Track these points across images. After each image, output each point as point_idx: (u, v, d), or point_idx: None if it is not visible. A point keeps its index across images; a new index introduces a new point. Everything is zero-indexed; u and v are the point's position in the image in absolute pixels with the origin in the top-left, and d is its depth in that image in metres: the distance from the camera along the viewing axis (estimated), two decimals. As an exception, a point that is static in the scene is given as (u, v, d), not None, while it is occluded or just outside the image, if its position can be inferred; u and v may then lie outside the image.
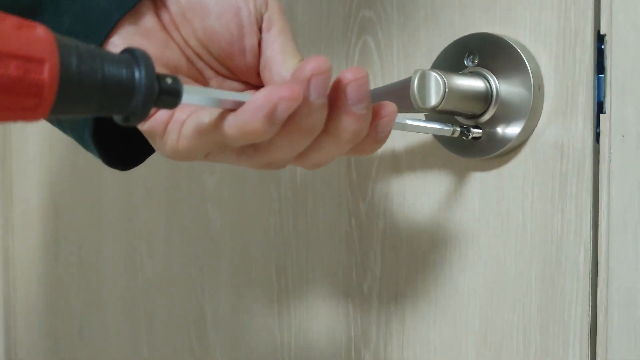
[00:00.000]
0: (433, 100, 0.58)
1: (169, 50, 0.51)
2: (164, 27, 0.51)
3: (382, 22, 0.70)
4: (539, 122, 0.61)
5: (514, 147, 0.62)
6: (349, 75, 0.45)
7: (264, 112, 0.41)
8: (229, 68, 0.53)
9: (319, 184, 0.76)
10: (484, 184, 0.64)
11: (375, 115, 0.48)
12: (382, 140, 0.49)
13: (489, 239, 0.64)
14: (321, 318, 0.75)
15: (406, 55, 0.68)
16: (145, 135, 0.49)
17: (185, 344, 0.88)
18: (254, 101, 0.42)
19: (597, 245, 0.58)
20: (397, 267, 0.70)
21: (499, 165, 0.63)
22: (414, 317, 0.69)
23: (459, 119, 0.64)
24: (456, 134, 0.61)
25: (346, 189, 0.74)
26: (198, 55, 0.52)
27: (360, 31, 0.72)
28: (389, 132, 0.49)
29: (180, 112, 0.47)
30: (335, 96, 0.45)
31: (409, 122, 0.56)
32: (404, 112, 0.60)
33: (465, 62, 0.63)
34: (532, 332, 0.61)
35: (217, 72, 0.53)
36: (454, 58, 0.64)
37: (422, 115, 0.65)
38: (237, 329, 0.83)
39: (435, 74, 0.58)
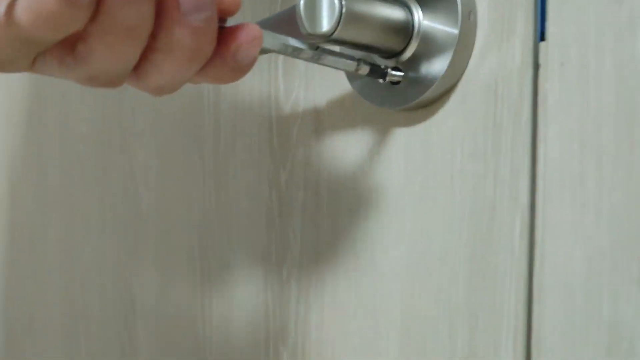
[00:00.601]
0: (325, 24, 0.43)
1: None
2: None
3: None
4: (471, 59, 0.46)
5: (442, 93, 0.47)
6: None
7: None
8: None
9: (240, 150, 0.61)
10: (409, 142, 0.49)
11: (232, 38, 0.37)
12: (242, 69, 0.38)
13: (414, 209, 0.48)
14: (241, 310, 0.61)
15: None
16: None
17: (116, 336, 0.75)
18: None
19: (535, 213, 0.42)
20: (317, 246, 0.55)
21: (426, 117, 0.48)
22: (334, 308, 0.54)
23: (377, 58, 0.48)
24: (363, 71, 0.45)
25: (266, 156, 0.59)
26: None
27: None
28: (251, 60, 0.38)
29: None
30: None
31: (292, 44, 0.41)
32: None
33: (387, -11, 0.48)
34: (459, 326, 0.45)
35: None
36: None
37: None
38: (163, 321, 0.69)
39: (329, -8, 0.43)
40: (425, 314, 0.48)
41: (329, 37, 0.44)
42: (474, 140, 0.46)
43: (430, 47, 0.46)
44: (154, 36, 0.35)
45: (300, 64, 0.57)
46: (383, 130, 0.51)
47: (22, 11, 0.32)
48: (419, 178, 0.49)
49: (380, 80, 0.48)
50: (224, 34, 0.37)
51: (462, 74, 0.47)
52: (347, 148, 0.54)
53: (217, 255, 0.65)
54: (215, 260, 0.65)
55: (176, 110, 0.68)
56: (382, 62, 0.49)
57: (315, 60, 0.44)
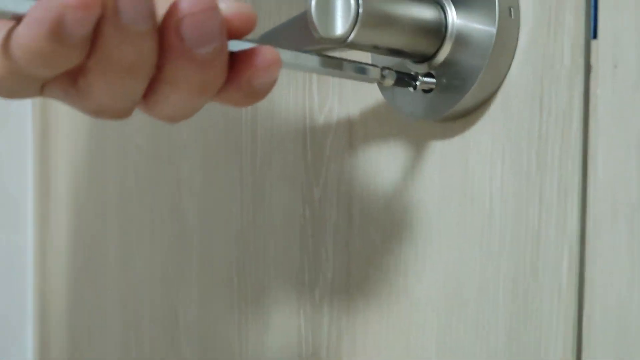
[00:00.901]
0: (339, 26, 0.34)
1: None
2: None
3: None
4: (513, 62, 0.36)
5: (481, 101, 0.37)
6: (184, 5, 0.28)
7: (46, 24, 0.26)
8: None
9: (276, 164, 0.53)
10: (445, 156, 0.39)
11: (247, 64, 0.30)
12: (259, 95, 0.31)
13: (451, 234, 0.39)
14: (275, 332, 0.53)
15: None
16: None
17: (163, 350, 0.68)
18: (36, 9, 0.26)
19: (585, 245, 0.32)
20: (349, 270, 0.46)
21: (463, 128, 0.38)
22: (366, 336, 0.45)
23: (408, 64, 0.39)
24: (388, 81, 0.36)
25: (301, 171, 0.51)
26: None
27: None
28: (269, 86, 0.31)
29: None
30: (168, 30, 0.28)
31: (302, 58, 0.32)
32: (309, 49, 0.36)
33: (418, -14, 0.39)
34: (498, 370, 0.36)
35: None
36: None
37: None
38: (204, 338, 0.62)
39: (344, -11, 0.34)
40: (463, 351, 0.38)
41: (344, 42, 0.35)
42: (516, 155, 0.36)
43: (465, 49, 0.37)
44: (159, 68, 0.29)
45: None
46: (418, 143, 0.42)
47: (16, 48, 0.28)
48: (456, 197, 0.40)
49: (411, 89, 0.39)
50: (238, 59, 0.30)
51: (502, 79, 0.37)
52: (380, 163, 0.45)
53: (253, 272, 0.57)
54: (252, 278, 0.57)
55: (218, 122, 0.61)
56: (413, 67, 0.40)
57: (333, 72, 0.35)
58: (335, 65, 0.35)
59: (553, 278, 0.34)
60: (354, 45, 0.36)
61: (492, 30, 0.36)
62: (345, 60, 0.36)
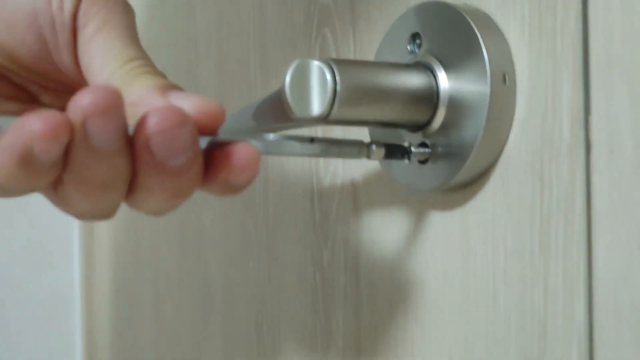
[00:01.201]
0: (316, 106, 0.30)
1: None
2: None
3: (338, 8, 0.43)
4: (511, 133, 0.32)
5: (479, 173, 0.33)
6: (152, 122, 0.26)
7: (15, 152, 0.26)
8: (56, 81, 0.33)
9: (287, 223, 0.50)
10: (446, 229, 0.36)
11: (223, 163, 0.28)
12: (238, 189, 0.29)
13: (455, 314, 0.35)
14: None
15: (363, 44, 0.41)
16: None
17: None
18: (5, 136, 0.26)
19: (593, 339, 0.28)
20: (359, 341, 0.43)
21: (464, 201, 0.35)
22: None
23: (404, 133, 0.36)
24: (377, 155, 0.33)
25: (310, 231, 0.48)
26: (11, 70, 0.33)
27: (319, 24, 0.45)
28: (248, 183, 0.29)
29: None
30: (137, 145, 0.27)
31: (284, 144, 0.29)
32: (289, 127, 0.33)
33: (408, 48, 0.35)
34: None
35: (45, 87, 0.34)
36: (397, 44, 0.36)
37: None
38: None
39: (319, 64, 0.31)
40: None
41: (323, 120, 0.32)
42: (518, 235, 0.32)
43: (460, 116, 0.33)
44: (134, 175, 0.28)
45: (337, 130, 0.45)
46: (419, 213, 0.38)
47: None
48: (458, 275, 0.36)
49: (406, 161, 0.35)
50: (213, 157, 0.28)
51: (501, 149, 0.33)
52: (384, 230, 0.41)
53: (270, 331, 0.54)
54: (269, 337, 0.54)
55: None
56: (407, 137, 0.36)
57: (318, 154, 0.32)
58: (318, 148, 0.32)
59: (561, 375, 0.30)
60: (335, 122, 0.33)
61: (486, 95, 0.32)
62: (327, 140, 0.32)
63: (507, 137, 0.33)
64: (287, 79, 0.32)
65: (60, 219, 0.97)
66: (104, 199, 0.28)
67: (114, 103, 0.25)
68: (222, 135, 0.28)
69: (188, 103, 0.27)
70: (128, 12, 0.31)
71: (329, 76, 0.32)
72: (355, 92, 0.32)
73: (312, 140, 0.32)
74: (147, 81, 0.29)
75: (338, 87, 0.32)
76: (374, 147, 0.34)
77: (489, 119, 0.32)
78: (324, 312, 0.47)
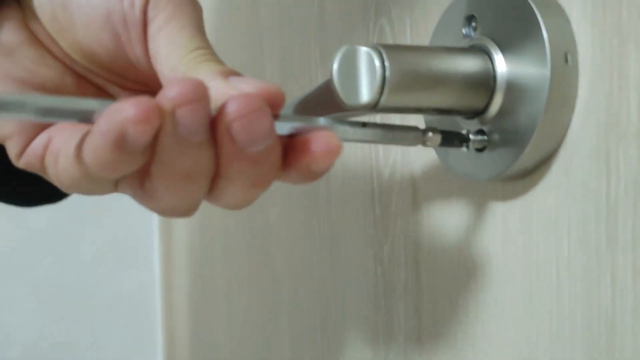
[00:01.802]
0: (365, 94, 0.28)
1: (44, 68, 0.33)
2: (36, 40, 0.33)
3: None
4: (574, 116, 0.29)
5: (540, 160, 0.30)
6: (232, 108, 0.26)
7: (109, 137, 0.26)
8: (134, 80, 0.33)
9: (348, 218, 0.48)
10: (507, 220, 0.33)
11: (304, 150, 0.28)
12: (318, 176, 0.29)
13: (517, 307, 0.32)
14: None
15: (419, 31, 0.38)
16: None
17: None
18: (100, 121, 0.26)
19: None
20: (420, 337, 0.40)
21: (525, 190, 0.32)
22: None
23: (460, 120, 0.33)
24: (433, 142, 0.30)
25: (370, 226, 0.45)
26: (89, 70, 0.33)
27: (377, 13, 0.43)
28: (327, 169, 0.28)
29: (57, 139, 0.31)
30: (218, 133, 0.27)
31: (337, 127, 0.27)
32: (340, 115, 0.30)
33: (464, 32, 0.32)
34: None
35: (122, 87, 0.34)
36: (452, 27, 0.33)
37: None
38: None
39: (368, 50, 0.28)
40: None
41: (374, 108, 0.29)
42: (583, 225, 0.29)
43: (518, 101, 0.30)
44: (216, 166, 0.28)
45: (394, 118, 0.42)
46: (479, 204, 0.35)
47: (85, 156, 0.28)
48: (520, 267, 0.33)
49: (463, 149, 0.32)
50: (294, 144, 0.28)
51: (564, 134, 0.30)
52: (443, 222, 0.38)
53: (334, 327, 0.52)
54: (333, 333, 0.52)
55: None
56: (464, 124, 0.33)
57: (370, 139, 0.29)
58: (370, 133, 0.29)
59: (632, 376, 0.27)
60: (386, 110, 0.30)
61: (546, 78, 0.29)
62: (381, 125, 0.30)
63: (569, 120, 0.30)
64: (335, 66, 0.30)
65: (142, 220, 0.98)
66: (189, 192, 0.28)
67: (201, 94, 0.25)
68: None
69: (249, 86, 0.27)
70: (195, 6, 0.31)
71: (377, 62, 0.29)
72: (405, 78, 0.30)
73: (364, 124, 0.29)
74: (210, 67, 0.29)
75: (387, 73, 0.29)
76: (430, 133, 0.31)
77: (550, 103, 0.29)
78: (385, 307, 0.45)
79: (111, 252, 0.92)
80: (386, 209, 0.44)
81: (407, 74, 0.30)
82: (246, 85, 0.27)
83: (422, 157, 0.41)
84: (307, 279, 0.55)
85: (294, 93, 0.56)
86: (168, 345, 0.94)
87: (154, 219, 0.96)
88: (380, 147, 0.45)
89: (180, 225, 0.91)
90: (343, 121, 0.29)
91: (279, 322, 0.61)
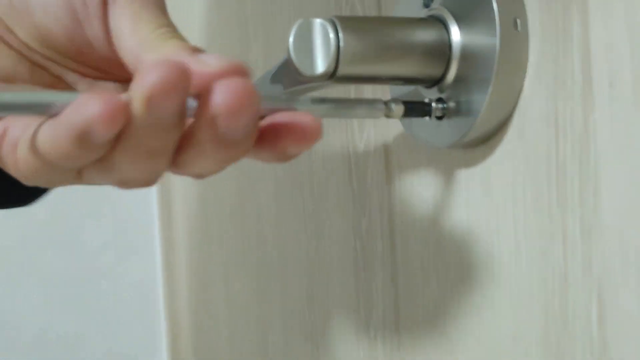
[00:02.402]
0: (321, 64, 0.29)
1: (0, 58, 0.33)
2: None
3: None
4: (526, 80, 0.30)
5: (496, 126, 0.31)
6: (219, 99, 0.25)
7: (71, 130, 0.25)
8: (91, 66, 0.33)
9: (330, 193, 0.49)
10: (469, 187, 0.34)
11: (286, 133, 0.27)
12: (291, 157, 0.28)
13: (480, 274, 0.33)
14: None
15: (387, 7, 0.39)
16: None
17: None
18: (65, 113, 0.25)
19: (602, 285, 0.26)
20: (398, 306, 0.42)
21: (484, 156, 0.33)
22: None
23: (420, 89, 0.34)
24: (397, 113, 0.31)
25: (349, 200, 0.46)
26: (47, 57, 0.33)
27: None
28: (302, 152, 0.27)
29: (13, 128, 0.30)
30: (200, 120, 0.26)
31: (301, 102, 0.28)
32: (301, 88, 0.31)
33: (423, 2, 0.33)
34: None
35: (82, 74, 0.33)
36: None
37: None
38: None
39: (322, 22, 0.29)
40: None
41: (331, 78, 0.30)
42: (536, 187, 0.30)
43: (472, 68, 0.31)
44: (186, 138, 0.27)
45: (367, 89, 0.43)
46: (445, 172, 0.36)
47: (44, 145, 0.27)
48: (483, 232, 0.34)
49: (427, 118, 0.33)
50: (272, 125, 0.27)
51: (516, 99, 0.31)
52: (413, 192, 0.39)
53: (319, 304, 0.53)
54: (319, 309, 0.53)
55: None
56: (425, 93, 0.34)
57: (332, 113, 0.30)
58: (333, 107, 0.30)
59: (583, 327, 0.28)
60: (344, 80, 0.31)
61: (494, 44, 0.30)
62: (343, 100, 0.31)
63: (521, 85, 0.31)
64: (291, 39, 0.31)
65: (143, 210, 0.99)
66: (153, 166, 0.27)
67: (182, 78, 0.24)
68: None
69: (217, 62, 0.26)
70: None
71: (331, 34, 0.30)
72: (360, 48, 0.31)
73: (322, 100, 0.30)
74: (176, 44, 0.28)
75: (341, 44, 0.30)
76: (392, 104, 0.32)
77: (500, 69, 0.30)
78: (365, 279, 0.46)
79: (113, 242, 0.94)
80: (363, 183, 0.45)
81: (361, 44, 0.31)
82: (214, 61, 0.26)
83: (393, 129, 0.42)
84: (295, 256, 0.57)
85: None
86: (171, 330, 0.95)
87: (154, 208, 0.97)
88: (355, 122, 0.46)
89: (180, 213, 0.93)
90: (304, 98, 0.30)
91: (271, 297, 0.63)
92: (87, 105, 0.24)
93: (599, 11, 0.26)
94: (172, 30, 0.29)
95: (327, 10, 0.48)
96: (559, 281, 0.29)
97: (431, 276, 0.38)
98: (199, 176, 0.29)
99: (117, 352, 0.93)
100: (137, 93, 0.24)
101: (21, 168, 0.28)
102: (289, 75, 0.32)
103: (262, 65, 0.60)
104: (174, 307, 0.94)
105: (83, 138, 0.25)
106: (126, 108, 0.24)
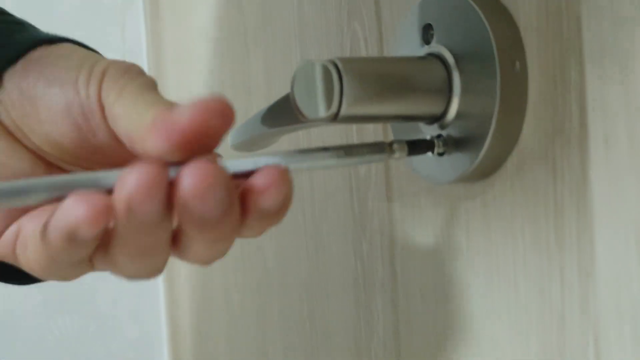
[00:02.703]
0: (323, 106, 0.29)
1: (16, 160, 0.33)
2: (7, 133, 0.34)
3: (365, 1, 0.42)
4: (525, 120, 0.30)
5: (495, 163, 0.32)
6: (186, 183, 0.25)
7: (61, 232, 0.27)
8: (106, 163, 0.33)
9: (331, 213, 0.50)
10: (469, 221, 0.35)
11: (249, 192, 0.27)
12: (278, 213, 0.27)
13: (480, 307, 0.34)
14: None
15: (389, 35, 0.40)
16: None
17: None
18: (53, 217, 0.27)
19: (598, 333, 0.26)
20: (398, 330, 0.42)
21: (484, 191, 0.33)
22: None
23: (421, 125, 0.34)
24: (401, 154, 0.32)
25: (350, 222, 0.47)
26: (62, 159, 0.33)
27: (349, 18, 0.44)
28: (285, 201, 0.27)
29: (25, 229, 0.31)
30: (176, 206, 0.26)
31: (295, 158, 0.28)
32: (299, 128, 0.32)
33: (421, 40, 0.34)
34: None
35: (100, 168, 0.34)
36: (411, 36, 0.35)
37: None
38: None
39: (324, 64, 0.30)
40: None
41: (333, 120, 0.31)
42: (535, 226, 0.31)
43: (472, 106, 0.32)
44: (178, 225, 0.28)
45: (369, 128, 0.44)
46: (445, 204, 0.37)
47: (47, 243, 0.28)
48: (482, 266, 0.34)
49: (429, 154, 0.34)
50: (244, 192, 0.27)
51: (516, 139, 0.32)
52: (414, 220, 0.40)
53: (320, 321, 0.53)
54: (320, 326, 0.54)
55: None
56: (425, 129, 0.35)
57: (336, 162, 0.30)
58: (337, 155, 0.30)
59: (580, 369, 0.29)
60: (346, 121, 0.32)
61: (495, 83, 0.31)
62: (347, 146, 0.31)
63: (521, 125, 0.31)
64: (295, 81, 0.31)
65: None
66: (150, 261, 0.28)
67: (156, 178, 0.25)
68: (235, 160, 0.27)
69: (190, 109, 0.26)
70: (145, 75, 0.31)
71: (334, 75, 0.31)
72: (362, 89, 0.31)
73: (326, 149, 0.30)
74: (154, 112, 0.28)
75: (344, 86, 0.31)
76: (396, 145, 0.32)
77: (501, 108, 0.31)
78: (365, 302, 0.46)
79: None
80: (364, 207, 0.46)
81: (363, 85, 0.31)
82: (187, 109, 0.26)
83: (394, 156, 0.42)
84: (295, 273, 0.57)
85: (278, 91, 0.57)
86: (172, 336, 0.96)
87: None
88: (356, 140, 0.46)
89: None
90: (305, 150, 0.29)
91: (271, 314, 0.63)
92: (72, 208, 0.26)
93: (594, 68, 0.26)
94: (154, 99, 0.29)
95: (328, 33, 0.49)
96: (557, 319, 0.30)
97: (431, 305, 0.39)
98: (203, 262, 0.29)
99: (116, 355, 0.94)
100: (117, 198, 0.25)
101: (32, 264, 0.30)
102: (286, 115, 0.33)
103: (263, 81, 0.61)
104: (174, 313, 0.95)
105: (72, 237, 0.26)
106: (109, 209, 0.25)
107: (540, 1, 0.29)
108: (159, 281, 0.99)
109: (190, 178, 0.25)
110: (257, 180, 0.26)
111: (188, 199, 0.25)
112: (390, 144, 0.32)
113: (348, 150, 0.30)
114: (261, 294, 0.65)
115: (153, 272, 0.29)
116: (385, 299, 0.44)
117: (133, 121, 0.28)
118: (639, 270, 0.25)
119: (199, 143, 0.26)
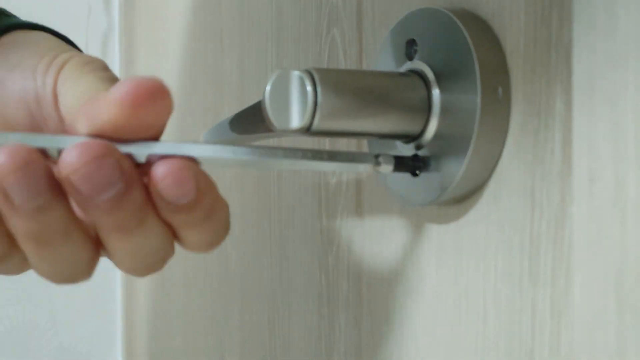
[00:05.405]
0: (295, 118, 0.28)
1: None
2: None
3: (346, 9, 0.41)
4: (505, 149, 0.29)
5: (472, 189, 0.31)
6: (68, 159, 0.24)
7: None
8: None
9: (297, 222, 0.48)
10: (440, 245, 0.33)
11: (150, 180, 0.25)
12: (189, 210, 0.26)
13: (446, 332, 0.33)
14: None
15: (369, 45, 0.38)
16: None
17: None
18: None
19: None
20: (360, 349, 0.41)
21: (458, 216, 0.32)
22: None
23: (398, 143, 0.33)
24: (385, 167, 0.31)
25: (317, 234, 0.46)
26: None
27: (329, 24, 0.43)
28: (191, 195, 0.25)
29: None
30: (65, 186, 0.26)
31: (274, 154, 0.27)
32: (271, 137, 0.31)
33: (403, 55, 0.33)
34: None
35: None
36: (395, 50, 0.34)
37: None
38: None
39: (300, 75, 0.28)
40: None
41: (305, 132, 0.30)
42: (509, 257, 0.30)
43: (452, 129, 0.31)
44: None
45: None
46: (416, 224, 0.36)
47: None
48: (451, 291, 0.33)
49: (410, 175, 0.33)
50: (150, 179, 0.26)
51: (494, 166, 0.31)
52: (383, 238, 0.39)
53: (280, 329, 0.52)
54: (280, 336, 0.52)
55: (252, 172, 0.56)
56: (402, 148, 0.33)
57: (318, 165, 0.29)
58: (317, 158, 0.29)
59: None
60: (319, 134, 0.31)
61: (475, 107, 0.30)
62: (330, 151, 0.30)
63: (500, 152, 0.30)
64: (268, 89, 0.30)
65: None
66: (58, 256, 0.26)
67: (27, 160, 0.24)
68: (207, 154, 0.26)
69: (123, 87, 0.25)
70: (107, 71, 0.30)
71: (309, 87, 0.29)
72: (338, 104, 0.30)
73: (307, 150, 0.29)
74: (90, 78, 0.28)
75: (319, 98, 0.29)
76: (382, 157, 0.31)
77: (480, 133, 0.30)
78: (329, 316, 0.45)
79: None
80: (332, 219, 0.45)
81: (339, 99, 0.30)
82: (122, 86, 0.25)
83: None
84: (258, 279, 0.56)
85: (251, 92, 0.56)
86: (127, 331, 0.94)
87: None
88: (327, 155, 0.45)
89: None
90: (296, 150, 0.28)
91: (231, 319, 0.62)
92: None
93: (583, 102, 0.25)
94: (94, 67, 0.29)
95: (307, 38, 0.47)
96: (526, 356, 0.29)
97: (395, 327, 0.38)
98: (133, 269, 0.29)
99: (69, 348, 0.92)
100: None
101: None
102: (256, 123, 0.31)
103: (236, 82, 0.60)
104: (131, 309, 0.93)
105: None
106: None
107: (529, 27, 0.29)
108: (117, 274, 0.97)
109: (69, 152, 0.24)
110: (156, 169, 0.25)
111: (69, 174, 0.24)
112: (377, 156, 0.31)
113: (332, 155, 0.29)
114: (222, 297, 0.63)
115: (71, 272, 0.27)
116: (349, 316, 0.43)
117: (75, 109, 0.28)
118: (616, 315, 0.24)
119: (132, 129, 0.25)
